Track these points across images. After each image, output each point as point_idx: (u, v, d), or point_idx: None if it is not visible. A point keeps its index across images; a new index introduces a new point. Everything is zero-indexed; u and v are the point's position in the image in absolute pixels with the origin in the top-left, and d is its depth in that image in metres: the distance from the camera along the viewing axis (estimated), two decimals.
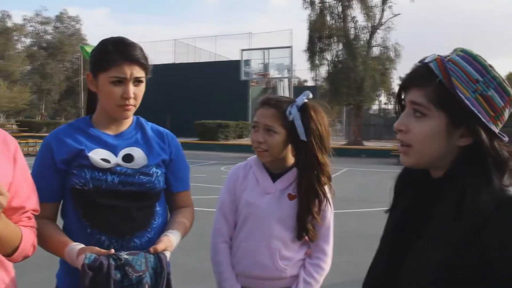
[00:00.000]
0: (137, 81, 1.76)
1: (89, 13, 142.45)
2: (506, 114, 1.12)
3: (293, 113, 1.95)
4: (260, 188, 2.06)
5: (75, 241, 1.67)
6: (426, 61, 1.14)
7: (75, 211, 1.76)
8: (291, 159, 2.08)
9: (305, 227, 1.99)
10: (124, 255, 1.57)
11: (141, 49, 1.79)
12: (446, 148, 1.13)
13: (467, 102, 1.07)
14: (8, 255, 1.43)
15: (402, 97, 1.21)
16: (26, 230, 1.48)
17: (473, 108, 1.07)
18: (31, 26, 53.70)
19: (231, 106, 34.41)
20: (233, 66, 35.06)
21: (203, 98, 36.67)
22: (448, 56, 1.13)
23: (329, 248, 2.09)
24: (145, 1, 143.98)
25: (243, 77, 33.44)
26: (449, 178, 1.13)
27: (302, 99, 1.99)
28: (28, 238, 1.47)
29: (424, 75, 1.12)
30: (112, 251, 1.57)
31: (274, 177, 2.07)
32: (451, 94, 1.08)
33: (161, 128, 1.97)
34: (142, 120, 1.95)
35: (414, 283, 1.09)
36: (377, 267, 1.28)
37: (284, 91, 30.20)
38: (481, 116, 1.07)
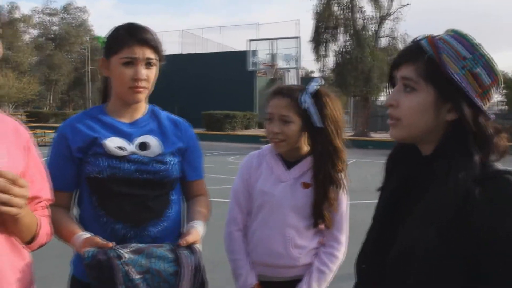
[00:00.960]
0: (149, 63, 1.76)
1: (96, 4, 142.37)
2: (492, 93, 1.15)
3: (307, 101, 1.94)
4: (274, 176, 2.06)
5: (90, 229, 1.69)
6: (417, 39, 1.19)
7: (90, 199, 1.77)
8: (304, 147, 2.07)
9: (321, 214, 1.99)
10: (125, 253, 1.54)
11: (152, 33, 1.80)
12: (434, 123, 1.16)
13: (456, 77, 1.11)
14: (27, 243, 1.46)
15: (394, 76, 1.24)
16: (42, 218, 1.51)
17: (461, 83, 1.11)
18: (38, 17, 53.85)
19: (238, 96, 34.39)
20: (240, 57, 34.98)
21: (210, 89, 36.69)
22: (439, 35, 1.17)
23: (343, 237, 2.08)
24: None
25: (250, 68, 33.38)
26: (437, 154, 1.16)
27: (314, 86, 1.99)
28: (44, 226, 1.50)
29: (414, 51, 1.16)
30: (110, 244, 1.56)
31: (288, 165, 2.07)
32: (440, 70, 1.12)
33: (176, 117, 1.97)
34: (157, 108, 1.95)
35: (403, 261, 1.12)
36: (368, 245, 1.31)
37: (291, 81, 30.09)
38: (469, 91, 1.11)
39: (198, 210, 1.89)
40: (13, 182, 1.24)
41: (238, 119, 30.12)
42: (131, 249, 1.56)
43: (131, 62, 1.73)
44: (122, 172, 1.72)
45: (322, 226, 2.04)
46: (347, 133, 2.18)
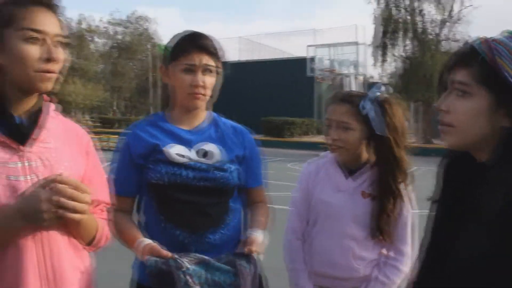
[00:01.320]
0: (208, 70, 1.77)
1: (158, 13, 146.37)
2: None
3: (367, 107, 1.89)
4: (332, 185, 2.01)
5: (151, 235, 1.72)
6: (471, 41, 1.13)
7: (151, 205, 1.80)
8: (365, 156, 2.01)
9: (379, 226, 1.93)
10: (186, 263, 1.56)
11: (212, 40, 1.81)
12: (489, 129, 1.10)
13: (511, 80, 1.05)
14: (87, 245, 1.50)
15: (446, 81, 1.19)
16: (102, 221, 1.54)
17: None
18: (104, 27, 56.15)
19: (297, 103, 34.34)
20: (298, 63, 34.94)
21: (269, 95, 36.82)
22: (494, 37, 1.11)
23: (407, 248, 1.99)
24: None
25: (309, 74, 33.28)
26: (493, 162, 1.09)
27: (375, 92, 1.93)
28: (103, 229, 1.53)
29: (468, 54, 1.12)
30: (170, 255, 1.59)
31: (347, 173, 2.01)
32: (495, 73, 1.06)
33: (234, 124, 1.95)
34: (217, 115, 1.94)
35: (461, 271, 1.09)
36: (426, 256, 1.26)
37: (351, 87, 29.79)
38: None
39: (257, 218, 1.87)
40: (76, 188, 1.27)
41: (297, 125, 30.09)
42: (191, 259, 1.59)
43: (190, 69, 1.75)
44: (181, 178, 1.74)
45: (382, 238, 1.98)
46: (409, 140, 2.11)
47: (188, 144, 1.79)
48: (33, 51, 1.31)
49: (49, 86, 1.37)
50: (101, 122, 35.31)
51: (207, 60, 1.76)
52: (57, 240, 1.36)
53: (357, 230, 1.96)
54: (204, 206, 1.76)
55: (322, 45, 34.08)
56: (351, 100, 1.94)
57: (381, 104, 1.91)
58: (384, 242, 1.99)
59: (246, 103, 39.00)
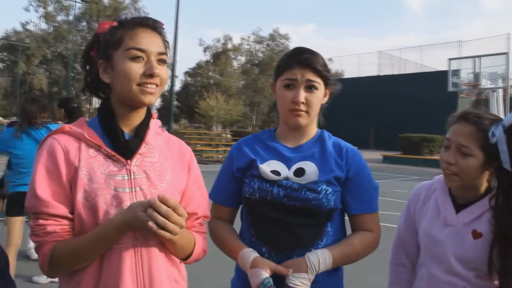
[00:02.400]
0: (310, 86, 1.70)
1: (297, 30, 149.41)
2: None
3: (497, 135, 1.60)
4: (440, 217, 1.78)
5: None
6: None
7: (246, 218, 1.82)
8: (483, 187, 1.75)
9: (500, 275, 1.62)
10: (301, 284, 1.56)
11: (318, 56, 1.74)
12: None
13: None
14: (183, 260, 1.55)
15: None
16: (198, 236, 1.58)
17: None
18: (247, 45, 59.07)
19: (437, 119, 32.66)
20: (440, 77, 33.44)
21: (407, 111, 35.72)
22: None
23: None
24: (349, 14, 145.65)
25: (450, 88, 31.59)
26: None
27: (511, 117, 1.61)
28: (200, 244, 1.57)
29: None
30: (285, 271, 1.58)
31: (459, 206, 1.77)
32: None
33: (343, 143, 1.82)
34: (326, 134, 1.85)
35: None
36: None
37: (498, 103, 27.67)
38: None
39: (344, 242, 1.74)
40: (174, 209, 1.28)
41: (437, 142, 28.70)
42: (306, 281, 1.58)
43: (292, 85, 1.71)
44: (271, 196, 1.70)
45: None
46: None
47: (287, 161, 1.76)
48: (137, 67, 1.40)
49: (152, 99, 1.45)
50: (240, 136, 36.80)
51: (310, 76, 1.70)
52: (154, 249, 1.43)
53: (465, 270, 1.70)
54: (293, 226, 1.70)
55: (466, 57, 32.17)
56: (478, 121, 1.68)
57: None
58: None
59: (383, 118, 38.18)
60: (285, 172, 1.73)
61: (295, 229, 1.69)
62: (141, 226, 1.27)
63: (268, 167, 1.74)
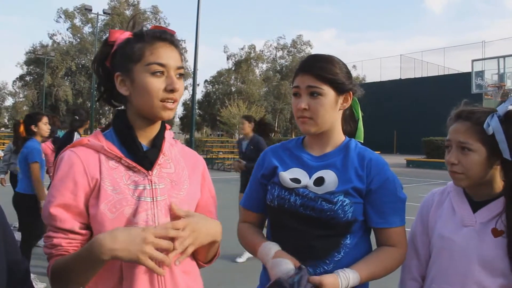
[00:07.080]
0: (313, 92, 1.65)
1: (318, 36, 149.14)
2: None
3: (493, 125, 1.58)
4: (456, 219, 1.70)
5: None
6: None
7: (268, 224, 1.84)
8: (498, 184, 1.68)
9: None
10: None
11: (322, 61, 1.68)
12: None
13: None
14: (206, 262, 1.62)
15: None
16: None
17: None
18: (268, 52, 59.38)
19: None
20: (463, 79, 33.10)
21: (431, 114, 35.28)
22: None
23: None
24: (371, 18, 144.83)
25: (474, 90, 31.17)
26: None
27: (506, 107, 1.61)
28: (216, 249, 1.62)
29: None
30: (297, 264, 1.55)
31: (476, 206, 1.69)
32: None
33: (367, 154, 1.71)
34: (353, 142, 1.77)
35: None
36: None
37: None
38: None
39: (369, 260, 1.64)
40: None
41: None
42: None
43: (298, 92, 1.69)
44: (289, 204, 1.68)
45: None
46: None
47: (310, 170, 1.72)
48: (158, 83, 1.41)
49: (171, 115, 1.47)
50: None
51: (310, 81, 1.65)
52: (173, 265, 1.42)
53: (486, 276, 1.59)
54: (307, 237, 1.65)
55: (490, 58, 31.69)
56: (472, 116, 1.67)
57: None
58: None
59: (406, 122, 37.83)
60: (306, 180, 1.68)
61: (310, 240, 1.64)
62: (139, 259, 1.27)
63: (289, 174, 1.71)
